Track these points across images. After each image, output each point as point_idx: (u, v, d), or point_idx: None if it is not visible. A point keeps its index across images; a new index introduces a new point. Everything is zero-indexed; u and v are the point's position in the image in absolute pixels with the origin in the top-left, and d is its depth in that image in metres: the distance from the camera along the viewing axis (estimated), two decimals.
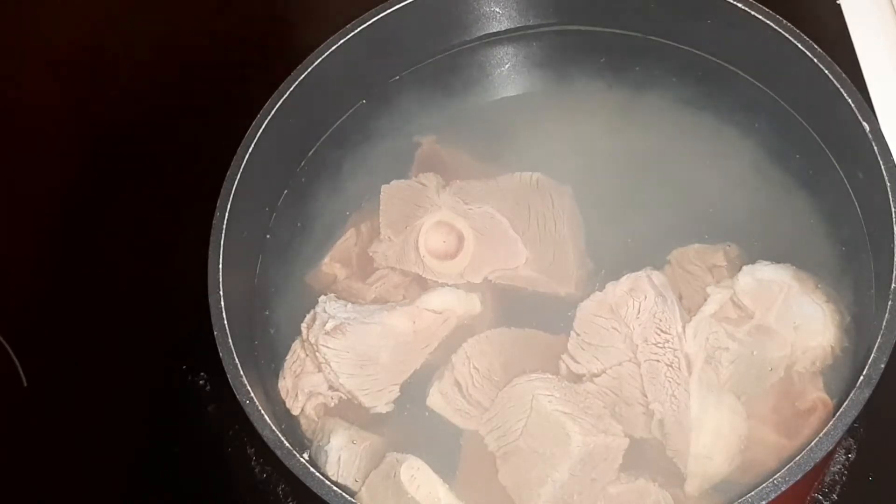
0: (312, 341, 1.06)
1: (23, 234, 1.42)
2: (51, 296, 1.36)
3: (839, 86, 1.05)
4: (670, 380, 1.00)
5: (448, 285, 1.12)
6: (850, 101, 1.04)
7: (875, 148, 1.01)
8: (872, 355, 0.91)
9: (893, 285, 0.94)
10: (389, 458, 1.01)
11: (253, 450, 1.19)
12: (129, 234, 1.37)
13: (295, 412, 1.08)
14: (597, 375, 1.03)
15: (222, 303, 1.03)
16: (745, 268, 1.05)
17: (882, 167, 1.00)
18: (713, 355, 1.01)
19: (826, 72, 1.06)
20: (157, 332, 1.29)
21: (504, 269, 1.12)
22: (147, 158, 1.42)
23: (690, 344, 1.01)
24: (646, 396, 1.01)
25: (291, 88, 1.16)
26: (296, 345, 1.10)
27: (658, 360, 1.01)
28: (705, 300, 1.04)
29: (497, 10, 1.27)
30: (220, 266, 1.05)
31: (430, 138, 1.23)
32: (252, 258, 1.17)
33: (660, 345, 1.01)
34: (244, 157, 1.12)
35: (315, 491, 0.93)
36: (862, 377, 0.91)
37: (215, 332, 1.02)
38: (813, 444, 0.89)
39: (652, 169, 1.16)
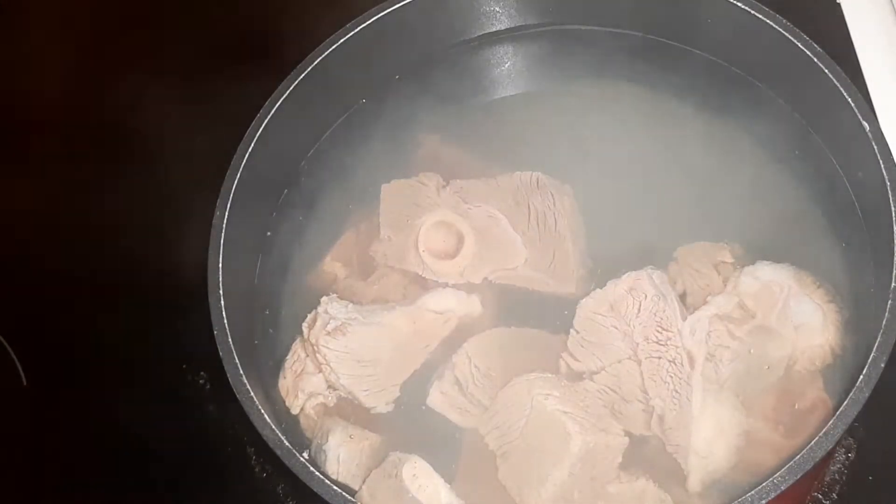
0: (313, 342, 1.06)
1: (23, 233, 1.42)
2: (51, 296, 1.36)
3: (839, 86, 1.05)
4: (672, 375, 1.00)
5: (448, 285, 1.12)
6: (850, 101, 1.04)
7: (875, 148, 1.01)
8: (872, 355, 0.91)
9: (893, 285, 0.94)
10: (391, 457, 1.01)
11: (253, 450, 1.19)
12: (128, 234, 1.37)
13: (295, 412, 1.08)
14: (596, 373, 1.03)
15: (222, 303, 1.03)
16: (745, 268, 1.05)
17: (882, 167, 1.00)
18: (714, 354, 1.01)
19: (826, 72, 1.06)
20: (158, 332, 1.29)
21: (504, 268, 1.12)
22: (147, 158, 1.42)
23: (689, 341, 1.01)
24: (645, 393, 1.01)
25: (292, 88, 1.16)
26: (296, 345, 1.10)
27: (660, 357, 1.01)
28: (706, 301, 1.04)
29: (496, 9, 1.27)
30: (220, 266, 1.05)
31: (431, 137, 1.23)
32: (252, 258, 1.17)
33: (661, 342, 1.01)
34: (244, 156, 1.12)
35: (315, 490, 0.93)
36: (862, 377, 0.91)
37: (215, 332, 1.02)
38: (813, 443, 0.89)
39: (651, 168, 1.16)
